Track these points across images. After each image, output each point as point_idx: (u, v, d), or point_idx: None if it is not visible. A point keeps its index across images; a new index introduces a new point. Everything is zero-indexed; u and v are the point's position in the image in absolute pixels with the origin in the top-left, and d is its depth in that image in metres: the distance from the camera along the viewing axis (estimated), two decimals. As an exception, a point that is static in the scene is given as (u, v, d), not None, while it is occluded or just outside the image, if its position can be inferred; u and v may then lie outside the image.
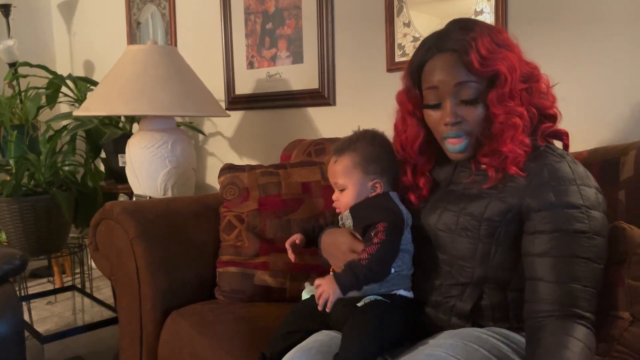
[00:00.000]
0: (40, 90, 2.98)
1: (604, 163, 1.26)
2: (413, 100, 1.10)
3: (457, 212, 1.04)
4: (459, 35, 1.02)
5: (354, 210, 1.13)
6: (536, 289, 0.95)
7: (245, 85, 2.58)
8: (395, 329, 1.05)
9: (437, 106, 1.05)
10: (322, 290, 1.01)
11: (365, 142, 1.14)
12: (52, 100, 3.05)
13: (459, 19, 1.08)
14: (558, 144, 1.11)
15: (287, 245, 1.23)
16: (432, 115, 1.07)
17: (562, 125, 1.10)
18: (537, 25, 1.70)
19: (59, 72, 3.10)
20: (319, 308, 1.01)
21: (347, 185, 1.13)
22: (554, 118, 1.07)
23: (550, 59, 1.63)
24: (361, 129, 1.19)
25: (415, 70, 1.08)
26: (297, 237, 1.23)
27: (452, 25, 1.06)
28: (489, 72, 0.99)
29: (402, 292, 1.09)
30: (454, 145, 1.05)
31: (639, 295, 0.97)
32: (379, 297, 1.07)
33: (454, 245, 1.03)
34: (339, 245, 1.13)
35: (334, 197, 1.18)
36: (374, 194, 1.12)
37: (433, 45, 1.04)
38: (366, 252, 1.04)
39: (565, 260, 0.93)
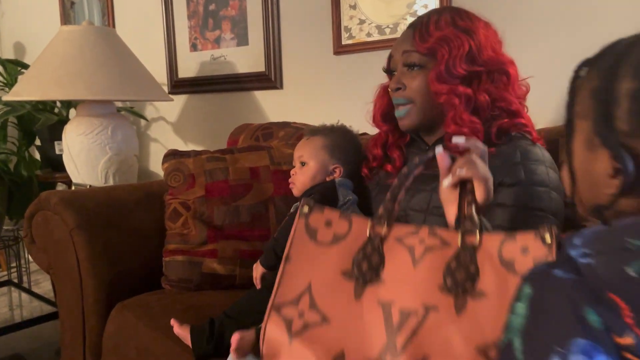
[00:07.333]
0: (-34, 74, 2.80)
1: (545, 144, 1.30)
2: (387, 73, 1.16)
3: (430, 191, 1.04)
4: (427, 13, 1.08)
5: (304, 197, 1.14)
6: None
7: (188, 68, 2.50)
8: None
9: (392, 73, 1.11)
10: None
11: (339, 133, 1.24)
12: (-21, 84, 2.87)
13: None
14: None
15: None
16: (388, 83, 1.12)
17: None
18: (480, 11, 1.72)
19: (-14, 55, 2.92)
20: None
21: (310, 162, 1.20)
22: (515, 114, 1.05)
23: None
24: (340, 122, 1.29)
25: None
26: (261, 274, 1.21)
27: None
28: (427, 47, 1.03)
29: None
30: (398, 111, 1.08)
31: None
32: None
33: (427, 224, 1.02)
34: None
35: (292, 172, 1.22)
36: (330, 178, 1.18)
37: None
38: None
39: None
